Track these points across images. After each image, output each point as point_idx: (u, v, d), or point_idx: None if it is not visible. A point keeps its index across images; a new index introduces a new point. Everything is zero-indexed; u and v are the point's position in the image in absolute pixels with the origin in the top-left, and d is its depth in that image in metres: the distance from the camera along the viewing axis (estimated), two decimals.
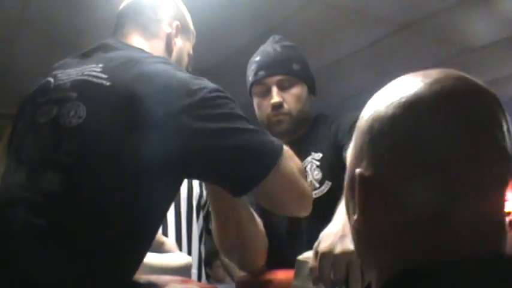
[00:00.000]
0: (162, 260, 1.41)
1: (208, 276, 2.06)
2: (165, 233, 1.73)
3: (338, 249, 0.86)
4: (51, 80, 0.98)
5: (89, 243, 0.83)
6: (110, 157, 0.86)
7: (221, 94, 0.95)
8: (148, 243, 0.96)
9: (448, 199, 0.50)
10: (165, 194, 0.93)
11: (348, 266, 0.85)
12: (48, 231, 0.82)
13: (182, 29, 1.18)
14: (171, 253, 1.53)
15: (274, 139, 0.96)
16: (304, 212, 1.06)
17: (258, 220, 1.32)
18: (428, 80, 0.54)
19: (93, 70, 0.94)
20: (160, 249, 1.56)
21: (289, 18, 2.53)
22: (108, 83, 0.90)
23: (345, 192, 0.61)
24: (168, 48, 1.14)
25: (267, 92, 1.38)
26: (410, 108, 0.53)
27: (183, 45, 1.19)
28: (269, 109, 1.37)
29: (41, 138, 0.91)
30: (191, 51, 1.24)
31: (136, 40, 1.09)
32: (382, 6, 2.45)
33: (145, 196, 0.87)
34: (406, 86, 0.55)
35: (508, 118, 0.54)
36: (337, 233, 0.88)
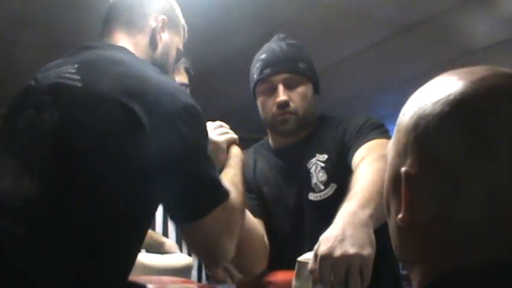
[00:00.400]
0: (162, 261, 1.41)
1: (208, 277, 2.06)
2: (165, 234, 1.73)
3: (337, 253, 0.85)
4: (33, 83, 0.99)
5: (68, 250, 0.83)
6: (83, 159, 0.86)
7: (198, 113, 0.97)
8: (132, 247, 0.95)
9: (493, 200, 0.50)
10: (145, 195, 0.91)
11: (348, 269, 0.85)
12: (27, 238, 0.81)
13: (170, 23, 1.15)
14: (171, 254, 1.54)
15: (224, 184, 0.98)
16: (215, 266, 1.04)
17: (258, 225, 1.31)
18: (475, 78, 0.53)
19: (68, 72, 0.94)
20: (161, 249, 1.57)
21: (290, 19, 2.53)
22: (80, 84, 0.91)
23: (385, 189, 0.60)
24: (152, 42, 1.12)
25: (273, 91, 1.35)
26: (458, 106, 0.52)
27: (170, 40, 1.16)
28: (274, 108, 1.34)
29: (20, 144, 0.91)
30: (180, 46, 1.21)
31: (120, 37, 1.08)
32: (382, 9, 2.46)
33: (123, 198, 0.87)
34: (452, 84, 0.54)
35: None
36: (337, 236, 0.88)
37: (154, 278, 1.13)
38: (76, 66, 0.95)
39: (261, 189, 1.40)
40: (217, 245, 0.96)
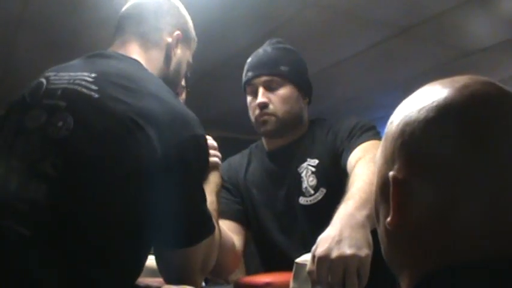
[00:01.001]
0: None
1: (207, 281, 2.06)
2: None
3: (335, 254, 0.86)
4: (44, 81, 0.97)
5: (73, 255, 0.83)
6: (93, 171, 0.86)
7: (206, 143, 0.99)
8: (138, 253, 0.95)
9: (481, 201, 0.51)
10: (149, 212, 0.92)
11: (345, 270, 0.85)
12: (33, 241, 0.81)
13: (183, 38, 1.15)
14: None
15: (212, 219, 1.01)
16: None
17: (232, 230, 1.34)
18: (458, 85, 0.55)
19: (84, 79, 0.93)
20: None
21: (288, 20, 2.53)
22: (96, 95, 0.90)
23: (374, 195, 0.62)
24: (167, 59, 1.12)
25: (256, 93, 1.38)
26: (442, 112, 0.54)
27: (182, 55, 1.16)
28: (256, 109, 1.37)
29: (29, 145, 0.90)
30: (191, 59, 1.22)
31: (134, 50, 1.07)
32: (382, 10, 2.46)
33: (129, 212, 0.87)
34: (436, 92, 0.56)
35: None
36: (334, 237, 0.88)
37: (149, 279, 1.13)
38: (93, 75, 0.94)
39: (250, 191, 1.43)
40: (191, 276, 0.97)
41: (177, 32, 1.13)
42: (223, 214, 1.33)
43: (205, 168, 1.02)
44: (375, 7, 2.43)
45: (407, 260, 0.57)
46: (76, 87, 0.92)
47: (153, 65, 1.08)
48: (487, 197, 0.51)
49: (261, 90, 1.37)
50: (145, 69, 1.04)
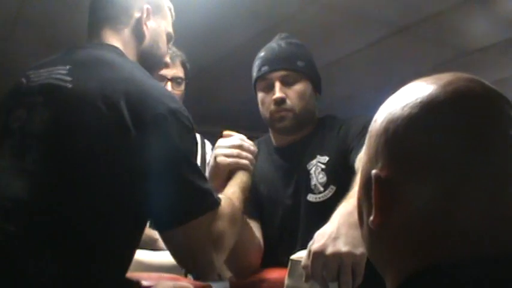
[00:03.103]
0: (155, 257, 1.41)
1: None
2: None
3: (329, 250, 0.86)
4: (24, 80, 0.98)
5: (61, 249, 0.83)
6: (72, 160, 0.86)
7: (185, 118, 0.96)
8: (126, 245, 0.94)
9: (461, 199, 0.51)
10: (134, 196, 0.91)
11: (339, 267, 0.85)
12: (18, 237, 0.81)
13: (154, 10, 1.13)
14: (164, 251, 1.53)
15: (215, 193, 0.98)
16: (202, 276, 1.01)
17: (255, 228, 1.31)
18: (442, 82, 0.55)
19: (59, 72, 0.94)
20: (154, 246, 1.56)
21: (288, 18, 2.53)
22: (70, 85, 0.91)
23: (358, 194, 0.61)
24: (139, 34, 1.10)
25: (270, 88, 1.35)
26: (426, 108, 0.53)
27: (157, 26, 1.14)
28: (272, 105, 1.34)
29: (12, 145, 0.91)
30: (170, 29, 1.19)
31: (107, 35, 1.07)
32: (380, 8, 2.46)
33: (112, 198, 0.87)
34: (420, 88, 0.56)
35: None
36: (331, 233, 0.88)
37: (145, 274, 1.13)
38: (68, 67, 0.94)
39: (257, 187, 1.40)
40: (200, 254, 0.93)
41: (146, 6, 1.11)
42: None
43: (189, 141, 0.96)
44: (374, 6, 2.43)
45: (391, 259, 0.57)
46: (51, 81, 0.93)
47: (128, 45, 1.07)
48: (476, 194, 0.51)
49: (278, 85, 1.34)
50: (119, 55, 1.03)
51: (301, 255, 0.94)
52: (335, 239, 0.87)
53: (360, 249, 0.86)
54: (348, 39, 2.83)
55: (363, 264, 0.86)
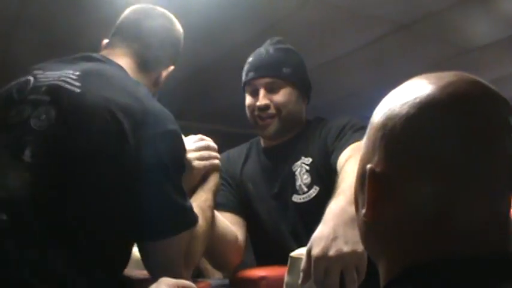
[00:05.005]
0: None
1: (199, 273, 2.07)
2: None
3: (332, 252, 0.85)
4: (31, 79, 1.00)
5: (54, 242, 0.84)
6: (72, 159, 0.89)
7: (180, 139, 1.03)
8: (121, 244, 0.96)
9: (454, 199, 0.51)
10: (125, 202, 0.94)
11: (343, 268, 0.84)
12: (9, 225, 0.83)
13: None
14: None
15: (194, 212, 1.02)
16: None
17: (234, 224, 1.34)
18: (442, 83, 0.55)
19: (69, 76, 0.97)
20: None
21: (288, 16, 2.53)
22: (78, 90, 0.94)
23: (355, 185, 0.62)
24: (155, 85, 1.18)
25: (256, 93, 1.39)
26: (423, 108, 0.54)
27: (167, 74, 1.21)
28: (256, 110, 1.39)
29: (10, 137, 0.92)
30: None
31: (127, 64, 1.11)
32: (381, 6, 2.46)
33: (105, 198, 0.90)
34: (421, 87, 0.56)
35: None
36: (329, 235, 0.87)
37: (145, 272, 1.13)
38: (77, 73, 0.98)
39: (246, 186, 1.44)
40: (170, 268, 0.97)
41: (172, 67, 1.20)
42: (224, 206, 1.36)
43: (180, 161, 1.04)
44: (375, 3, 2.43)
45: (383, 252, 0.58)
46: (60, 83, 0.96)
47: (140, 80, 1.12)
48: (468, 195, 0.51)
49: (262, 91, 1.38)
50: (125, 73, 1.08)
51: (301, 252, 0.94)
52: (334, 239, 0.86)
53: (361, 246, 0.85)
54: (347, 37, 2.83)
55: (365, 261, 0.86)
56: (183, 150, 1.06)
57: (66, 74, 0.98)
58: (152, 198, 0.94)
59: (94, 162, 0.89)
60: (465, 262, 0.50)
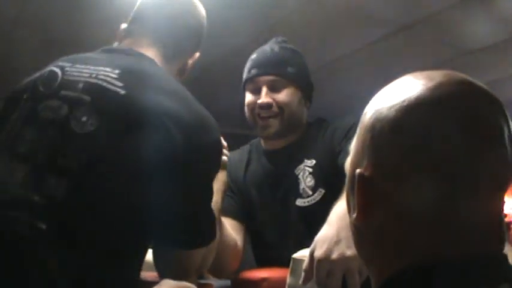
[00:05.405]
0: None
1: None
2: None
3: (335, 255, 0.85)
4: (58, 71, 0.94)
5: (91, 250, 0.82)
6: (114, 168, 0.85)
7: (221, 149, 1.04)
8: (144, 247, 0.96)
9: (446, 200, 0.51)
10: (166, 205, 0.92)
11: (346, 272, 0.84)
12: (51, 235, 0.80)
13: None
14: None
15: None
16: None
17: (234, 229, 1.33)
18: (432, 84, 0.54)
19: (108, 75, 0.91)
20: None
21: (288, 17, 2.52)
22: (123, 92, 0.89)
23: (345, 189, 0.62)
24: (180, 74, 1.14)
25: (258, 91, 1.35)
26: (412, 112, 0.53)
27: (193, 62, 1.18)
28: (257, 108, 1.34)
29: (46, 137, 0.87)
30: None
31: (153, 54, 1.05)
32: (380, 7, 2.45)
33: (147, 207, 0.87)
34: (409, 89, 0.55)
35: (511, 123, 0.54)
36: (332, 238, 0.87)
37: (148, 273, 1.13)
38: (117, 71, 0.92)
39: (249, 191, 1.41)
40: (181, 276, 0.96)
41: (197, 54, 1.16)
42: (224, 211, 1.32)
43: (217, 171, 1.05)
44: (375, 4, 2.43)
45: (373, 256, 0.57)
46: (100, 82, 0.90)
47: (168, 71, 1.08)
48: (456, 198, 0.51)
49: (264, 89, 1.33)
50: (162, 70, 1.03)
51: (303, 254, 0.94)
52: (337, 242, 0.86)
53: None
54: (348, 38, 2.83)
55: None
56: (221, 157, 1.07)
57: (105, 72, 0.92)
58: (193, 209, 0.93)
59: (140, 172, 0.85)
60: (456, 265, 0.50)
